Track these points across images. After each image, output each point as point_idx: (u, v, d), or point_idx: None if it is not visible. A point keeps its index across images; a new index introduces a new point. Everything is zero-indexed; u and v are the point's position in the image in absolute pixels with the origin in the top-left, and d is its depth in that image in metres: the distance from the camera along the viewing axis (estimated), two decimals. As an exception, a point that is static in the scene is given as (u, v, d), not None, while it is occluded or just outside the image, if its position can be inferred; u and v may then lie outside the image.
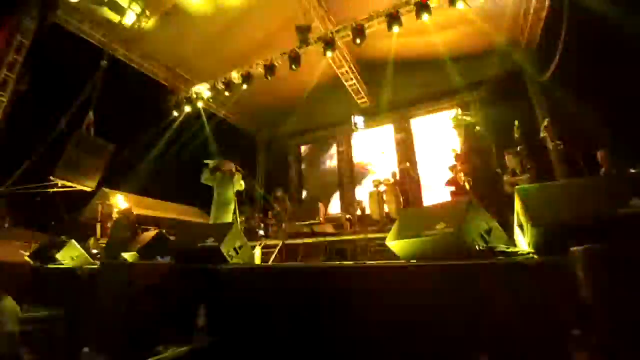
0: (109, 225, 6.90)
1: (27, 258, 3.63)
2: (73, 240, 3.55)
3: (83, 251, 3.73)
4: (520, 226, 1.75)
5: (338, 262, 2.59)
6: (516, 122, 4.48)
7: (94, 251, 4.91)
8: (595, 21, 5.82)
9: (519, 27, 7.79)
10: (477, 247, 1.81)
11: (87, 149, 6.44)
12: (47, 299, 2.51)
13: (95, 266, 2.73)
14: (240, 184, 4.80)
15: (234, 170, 4.72)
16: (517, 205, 1.76)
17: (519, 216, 1.77)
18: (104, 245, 5.68)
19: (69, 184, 5.94)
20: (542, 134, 3.87)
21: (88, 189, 6.57)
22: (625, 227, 1.47)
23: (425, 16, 5.86)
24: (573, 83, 6.93)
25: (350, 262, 2.42)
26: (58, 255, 3.27)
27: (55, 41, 6.48)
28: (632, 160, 5.01)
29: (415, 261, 1.95)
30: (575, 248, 1.09)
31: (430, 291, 1.53)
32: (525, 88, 8.25)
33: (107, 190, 9.19)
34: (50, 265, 3.27)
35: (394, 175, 7.32)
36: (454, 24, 7.52)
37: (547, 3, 6.87)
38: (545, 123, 4.02)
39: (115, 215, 7.29)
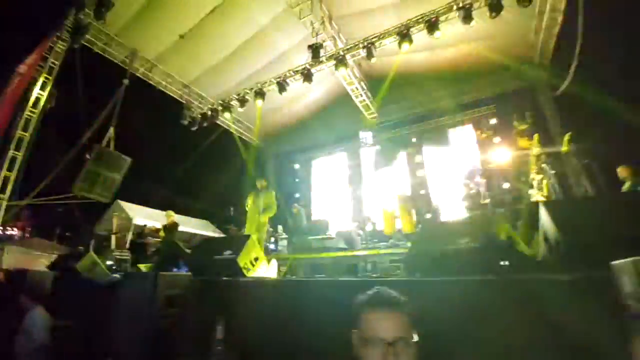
0: (126, 236, 7.01)
1: (46, 268, 3.70)
2: (91, 252, 3.61)
3: (100, 262, 3.78)
4: (546, 240, 1.71)
5: (359, 278, 2.56)
6: (568, 135, 4.36)
7: (109, 262, 4.96)
8: (610, 37, 5.83)
9: (531, 43, 7.82)
10: (500, 262, 1.77)
11: (106, 162, 6.63)
12: (66, 308, 2.54)
13: (115, 277, 2.76)
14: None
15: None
16: (544, 218, 1.73)
17: (545, 229, 1.73)
18: (119, 256, 5.75)
19: (87, 196, 6.10)
20: (564, 148, 3.81)
21: (104, 201, 6.72)
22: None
23: (437, 33, 5.94)
24: (589, 98, 6.88)
25: (374, 276, 2.38)
26: (77, 266, 3.33)
27: (82, 60, 6.86)
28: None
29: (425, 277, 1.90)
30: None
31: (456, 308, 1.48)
32: (537, 103, 8.20)
33: (121, 202, 9.38)
34: (69, 275, 3.32)
35: (404, 191, 7.28)
36: (465, 40, 7.61)
37: (560, 20, 6.90)
38: (567, 137, 3.95)
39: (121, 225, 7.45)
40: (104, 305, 2.34)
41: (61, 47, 6.78)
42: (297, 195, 11.33)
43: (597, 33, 6.07)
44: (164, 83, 9.03)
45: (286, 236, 7.73)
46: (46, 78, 6.46)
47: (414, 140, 9.81)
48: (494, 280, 1.46)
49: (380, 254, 5.56)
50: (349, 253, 6.00)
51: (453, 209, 7.66)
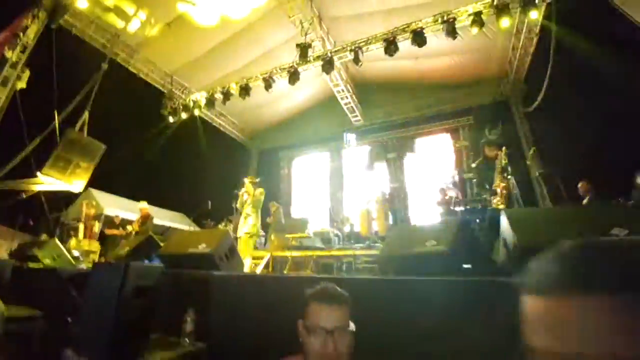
0: (95, 226, 6.74)
1: (6, 256, 3.51)
2: (55, 239, 3.47)
3: (65, 251, 3.63)
4: (505, 245, 1.84)
5: (326, 275, 2.62)
6: (532, 149, 4.61)
7: (75, 253, 4.77)
8: (579, 59, 6.25)
9: (508, 60, 8.23)
10: (463, 265, 1.89)
11: (78, 148, 6.33)
12: (27, 298, 2.44)
13: (81, 267, 2.67)
14: None
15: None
16: (504, 225, 1.86)
17: (504, 235, 1.86)
18: (87, 247, 5.53)
19: (56, 182, 5.81)
20: (528, 162, 4.07)
21: (75, 189, 6.43)
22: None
23: (420, 43, 6.13)
24: (557, 116, 7.33)
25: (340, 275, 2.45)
26: (39, 254, 3.18)
27: (58, 42, 6.53)
28: (612, 191, 5.29)
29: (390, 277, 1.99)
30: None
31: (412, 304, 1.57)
32: (512, 117, 8.64)
33: (93, 190, 8.98)
34: (31, 265, 3.17)
35: (383, 194, 7.44)
36: (447, 52, 7.89)
37: (534, 40, 7.30)
38: (532, 152, 4.22)
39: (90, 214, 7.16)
40: (68, 296, 2.27)
41: (37, 26, 6.42)
42: (277, 192, 11.30)
43: (568, 56, 6.48)
44: (145, 70, 8.74)
45: (264, 233, 7.71)
46: (18, 57, 6.09)
47: (395, 145, 10.03)
48: (453, 281, 1.56)
49: (356, 254, 5.67)
50: (326, 252, 6.07)
51: (429, 213, 7.94)
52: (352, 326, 1.06)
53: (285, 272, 5.62)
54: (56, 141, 6.00)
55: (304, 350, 1.07)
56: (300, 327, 1.09)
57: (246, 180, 5.53)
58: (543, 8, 6.22)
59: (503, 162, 3.98)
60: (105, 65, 7.60)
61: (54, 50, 6.61)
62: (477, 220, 4.04)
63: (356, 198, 9.26)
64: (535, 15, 5.97)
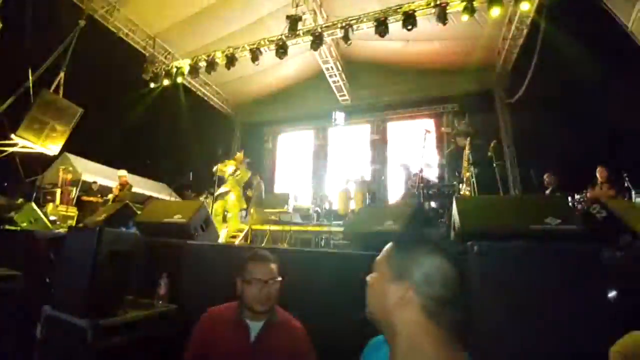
0: (72, 192, 6.67)
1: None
2: (32, 203, 3.48)
3: (42, 215, 3.66)
4: (454, 227, 2.05)
5: (297, 248, 2.80)
6: (493, 143, 4.86)
7: (52, 217, 4.77)
8: (565, 55, 6.42)
9: (497, 49, 8.29)
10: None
11: (54, 110, 6.13)
12: (5, 259, 2.51)
13: (59, 231, 2.73)
14: None
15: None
16: (454, 211, 2.05)
17: (454, 219, 2.06)
18: (64, 212, 5.52)
19: (31, 145, 5.66)
20: (489, 153, 4.31)
21: (50, 153, 6.29)
22: (535, 238, 1.81)
23: (410, 26, 6.10)
24: (537, 109, 7.59)
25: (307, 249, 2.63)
26: (16, 217, 3.21)
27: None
28: (578, 183, 5.67)
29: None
30: (469, 243, 1.38)
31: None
32: (495, 107, 8.85)
33: (70, 155, 8.77)
34: (7, 227, 3.20)
35: (362, 177, 7.63)
36: (437, 37, 7.87)
37: (524, 32, 7.35)
38: (493, 144, 4.46)
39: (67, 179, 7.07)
40: (46, 257, 2.36)
41: None
42: (260, 167, 11.33)
43: (554, 51, 6.62)
44: (125, 30, 8.28)
45: (245, 207, 7.84)
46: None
47: (379, 126, 10.14)
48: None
49: (332, 231, 5.91)
50: (304, 228, 6.29)
51: (406, 193, 8.23)
52: (279, 278, 1.44)
53: (262, 245, 5.83)
54: (30, 102, 5.77)
55: (241, 298, 1.43)
56: (239, 282, 1.44)
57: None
58: (536, 1, 6.25)
59: (467, 151, 4.20)
60: (82, 22, 7.19)
61: (25, 3, 6.19)
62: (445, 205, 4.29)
63: (337, 177, 9.42)
64: (527, 6, 6.00)
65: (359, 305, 0.78)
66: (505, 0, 5.97)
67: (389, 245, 0.79)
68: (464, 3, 5.93)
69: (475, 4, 5.93)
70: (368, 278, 0.76)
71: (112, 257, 1.85)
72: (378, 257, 0.78)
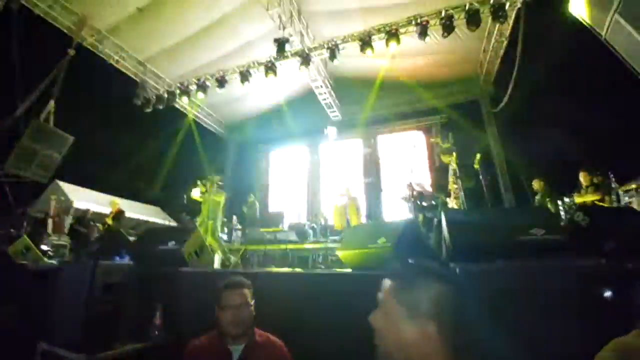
0: (65, 220, 6.58)
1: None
2: (25, 236, 3.44)
3: (34, 247, 3.61)
4: (445, 242, 2.08)
5: (291, 269, 2.81)
6: (478, 156, 4.96)
7: (45, 248, 4.69)
8: (543, 66, 6.69)
9: (479, 61, 8.61)
10: (409, 260, 2.11)
11: (44, 139, 6.13)
12: (-5, 294, 2.46)
13: (52, 262, 2.69)
14: None
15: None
16: (444, 225, 2.10)
17: (444, 234, 2.10)
18: (56, 241, 5.43)
19: (22, 175, 5.62)
20: (475, 166, 4.42)
21: (41, 181, 6.24)
22: (522, 250, 1.87)
23: (393, 44, 6.32)
24: (521, 117, 7.83)
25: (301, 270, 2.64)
26: (8, 250, 3.16)
27: (21, 23, 6.19)
28: (566, 189, 5.79)
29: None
30: (452, 265, 1.41)
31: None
32: (481, 117, 9.09)
33: (61, 183, 8.69)
34: (-3, 261, 3.14)
35: (347, 190, 7.66)
36: (422, 52, 8.15)
37: (504, 44, 7.66)
38: (479, 157, 4.57)
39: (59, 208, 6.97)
40: (36, 292, 2.32)
41: None
42: (255, 185, 11.34)
43: (533, 63, 6.90)
44: (115, 57, 8.41)
45: (240, 227, 7.79)
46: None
47: (371, 141, 10.29)
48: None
49: (328, 247, 5.90)
50: (299, 246, 6.26)
51: (401, 208, 8.28)
52: (252, 302, 1.57)
53: (260, 266, 5.78)
54: (20, 132, 5.78)
55: (217, 325, 1.54)
56: (217, 310, 1.55)
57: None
58: (513, 15, 6.54)
59: (454, 166, 4.31)
60: (72, 51, 7.29)
61: (14, 33, 6.28)
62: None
63: (332, 192, 9.47)
64: (504, 21, 6.28)
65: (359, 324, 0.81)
66: (483, 15, 6.23)
67: (391, 282, 0.78)
68: (443, 21, 6.20)
69: (455, 21, 6.21)
70: (375, 318, 0.76)
71: (106, 289, 1.84)
72: (382, 295, 0.78)
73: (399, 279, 0.77)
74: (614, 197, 4.94)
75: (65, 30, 7.29)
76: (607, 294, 1.66)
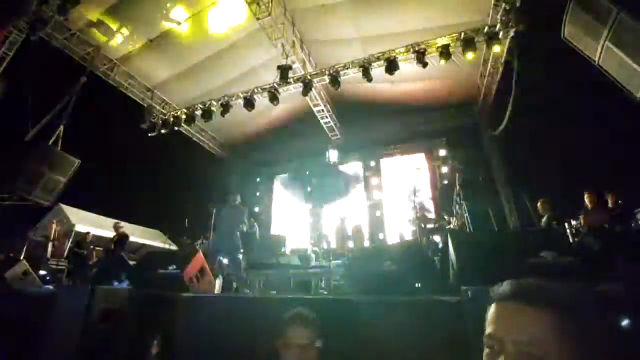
0: (65, 244, 6.52)
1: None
2: (23, 261, 3.39)
3: (32, 271, 3.54)
4: (452, 266, 2.03)
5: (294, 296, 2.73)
6: (481, 178, 4.93)
7: (43, 272, 4.61)
8: (539, 89, 6.85)
9: (476, 85, 8.81)
10: (416, 284, 2.06)
11: (51, 162, 6.22)
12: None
13: (49, 288, 2.63)
14: None
15: None
16: (450, 248, 2.06)
17: (451, 257, 2.05)
18: (54, 266, 5.35)
19: (26, 197, 5.64)
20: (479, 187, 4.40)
21: (45, 204, 6.25)
22: (532, 273, 1.81)
23: (393, 71, 6.52)
24: (521, 139, 7.90)
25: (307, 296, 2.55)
26: (6, 274, 3.10)
27: (36, 53, 6.51)
28: (569, 209, 5.71)
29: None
30: (464, 288, 1.37)
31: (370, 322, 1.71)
32: (481, 140, 9.18)
33: (63, 206, 8.70)
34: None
35: (342, 219, 7.63)
36: (421, 77, 8.38)
37: (500, 69, 7.88)
38: (480, 179, 4.57)
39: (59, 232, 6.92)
40: (34, 318, 2.25)
41: (17, 37, 6.41)
42: (257, 209, 11.29)
43: (529, 85, 7.07)
44: (125, 84, 8.72)
45: (242, 251, 7.67)
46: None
47: (372, 163, 10.35)
48: (400, 301, 1.72)
49: (332, 272, 5.75)
50: (301, 270, 6.13)
51: (403, 230, 8.18)
52: (318, 342, 1.35)
53: (262, 291, 5.63)
54: (29, 155, 5.88)
55: None
56: (280, 344, 1.36)
57: None
58: (507, 42, 6.78)
59: (457, 187, 4.30)
60: (84, 79, 7.58)
61: (31, 62, 6.57)
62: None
63: (333, 215, 9.40)
64: (498, 48, 6.50)
65: None
66: (478, 43, 6.46)
67: (557, 315, 0.58)
68: (440, 49, 6.43)
69: (451, 49, 6.44)
70: None
71: (103, 316, 1.78)
72: (501, 331, 0.61)
73: (564, 309, 0.59)
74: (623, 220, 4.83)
75: (79, 60, 7.64)
76: (626, 322, 1.58)
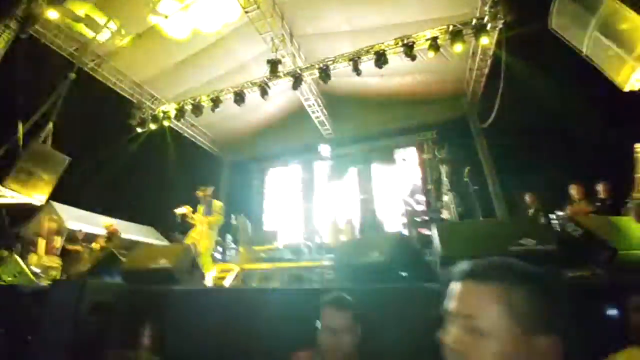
0: (57, 241, 6.47)
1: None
2: (15, 256, 3.39)
3: (25, 268, 3.54)
4: (436, 254, 2.11)
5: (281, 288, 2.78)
6: (467, 169, 5.01)
7: (35, 269, 4.59)
8: (527, 82, 6.94)
9: (465, 79, 8.89)
10: (402, 274, 2.13)
11: (41, 160, 6.15)
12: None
13: (42, 284, 2.64)
14: None
15: None
16: (434, 237, 2.13)
17: (435, 246, 2.13)
18: (47, 262, 5.33)
19: (17, 195, 5.58)
20: (465, 178, 4.49)
21: (37, 203, 6.19)
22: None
23: (382, 65, 6.54)
24: (509, 132, 8.02)
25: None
26: (0, 272, 3.10)
27: (24, 50, 6.39)
28: (557, 201, 5.86)
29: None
30: (442, 273, 1.44)
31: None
32: (470, 132, 9.29)
33: (54, 204, 8.59)
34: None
35: (334, 213, 7.69)
36: (410, 71, 8.42)
37: (488, 62, 7.95)
38: (467, 170, 4.65)
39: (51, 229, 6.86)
40: (28, 313, 2.28)
41: (8, 36, 6.27)
42: (249, 204, 11.31)
43: (517, 78, 7.16)
44: (113, 80, 8.59)
45: (235, 246, 7.71)
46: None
47: (364, 157, 10.41)
48: (385, 289, 1.79)
49: (324, 265, 5.84)
50: (294, 264, 6.20)
51: (396, 224, 8.30)
52: (356, 328, 1.34)
53: (254, 285, 5.69)
54: (19, 152, 5.80)
55: (318, 345, 1.33)
56: (319, 326, 1.35)
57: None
58: (495, 34, 6.84)
59: (445, 178, 4.38)
60: (72, 75, 7.44)
61: (18, 59, 6.44)
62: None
63: (326, 209, 9.48)
64: (486, 41, 6.56)
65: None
66: (466, 36, 6.51)
67: (502, 290, 0.60)
68: (429, 42, 6.47)
69: (439, 41, 6.48)
70: (456, 336, 0.62)
71: (94, 310, 1.82)
72: (457, 307, 0.65)
73: (530, 285, 0.60)
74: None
75: (67, 56, 7.50)
76: (605, 308, 1.66)
